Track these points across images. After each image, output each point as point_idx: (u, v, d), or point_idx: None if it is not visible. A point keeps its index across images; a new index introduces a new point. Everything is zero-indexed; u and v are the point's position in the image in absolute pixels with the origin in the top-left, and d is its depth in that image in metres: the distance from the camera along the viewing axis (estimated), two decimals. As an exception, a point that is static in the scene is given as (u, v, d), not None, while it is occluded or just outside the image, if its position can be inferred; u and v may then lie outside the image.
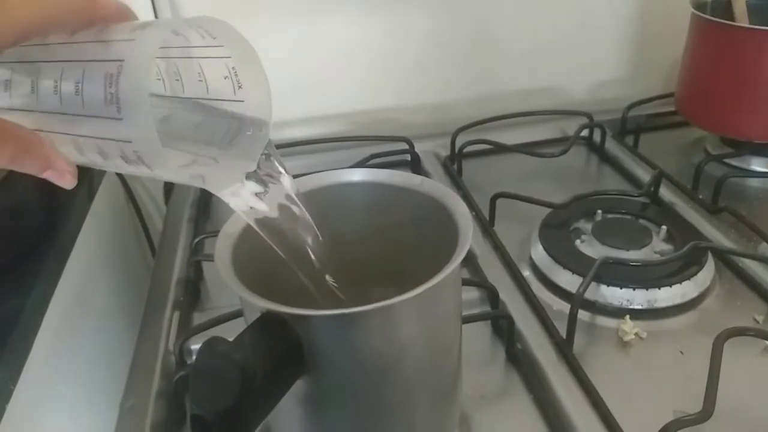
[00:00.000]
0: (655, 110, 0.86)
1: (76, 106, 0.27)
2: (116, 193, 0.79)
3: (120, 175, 0.79)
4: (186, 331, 0.53)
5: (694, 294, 0.56)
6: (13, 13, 0.26)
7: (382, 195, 0.43)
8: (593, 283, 0.54)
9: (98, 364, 0.62)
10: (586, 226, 0.64)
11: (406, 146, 0.78)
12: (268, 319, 0.32)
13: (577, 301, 0.51)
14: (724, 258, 0.61)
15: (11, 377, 0.45)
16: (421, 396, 0.37)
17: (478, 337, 0.54)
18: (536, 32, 0.88)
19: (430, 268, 0.33)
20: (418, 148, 0.79)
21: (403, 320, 0.34)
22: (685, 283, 0.56)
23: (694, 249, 0.57)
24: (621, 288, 0.55)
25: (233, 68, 0.32)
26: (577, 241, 0.62)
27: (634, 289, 0.55)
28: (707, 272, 0.57)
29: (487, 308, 0.56)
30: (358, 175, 0.43)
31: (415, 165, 0.79)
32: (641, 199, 0.68)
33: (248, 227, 0.35)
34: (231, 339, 0.31)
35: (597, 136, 0.83)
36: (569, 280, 0.57)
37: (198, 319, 0.57)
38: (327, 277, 0.39)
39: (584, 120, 0.84)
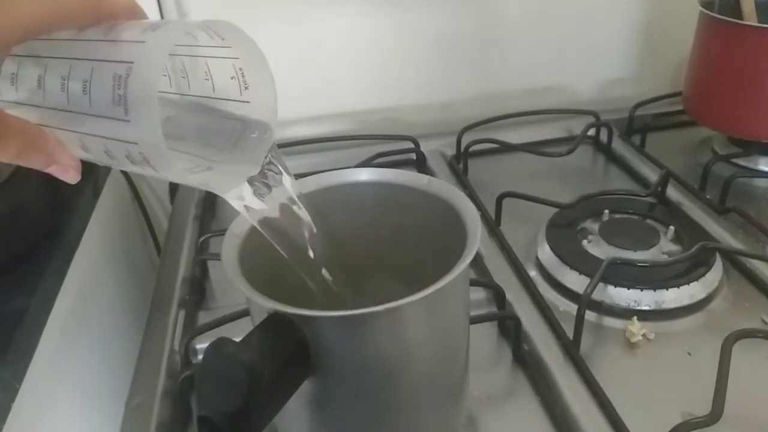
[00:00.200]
0: (662, 109, 0.85)
1: (83, 105, 0.27)
2: (121, 192, 0.79)
3: (125, 174, 0.79)
4: (191, 330, 0.53)
5: (701, 295, 0.55)
6: (21, 8, 0.26)
7: (389, 195, 0.43)
8: (600, 284, 0.54)
9: (103, 362, 0.62)
10: (593, 226, 0.64)
11: (411, 145, 0.78)
12: (275, 319, 0.32)
13: (584, 301, 0.51)
14: (732, 259, 0.60)
15: (16, 376, 0.45)
16: (427, 397, 0.37)
17: (484, 338, 0.54)
18: (543, 31, 0.88)
19: (437, 268, 0.33)
20: (424, 147, 0.79)
21: (410, 322, 0.34)
22: (693, 284, 0.55)
23: (702, 250, 0.57)
24: (628, 289, 0.55)
25: (240, 69, 0.31)
26: (584, 242, 0.61)
27: (641, 290, 0.55)
28: (715, 273, 0.57)
29: (493, 309, 0.56)
30: (365, 175, 0.43)
31: (420, 164, 0.79)
32: (648, 199, 0.68)
33: (254, 228, 0.35)
34: (236, 338, 0.31)
35: (604, 136, 0.83)
36: (576, 281, 0.57)
37: (203, 318, 0.57)
38: (331, 277, 0.39)
39: (591, 119, 0.83)
